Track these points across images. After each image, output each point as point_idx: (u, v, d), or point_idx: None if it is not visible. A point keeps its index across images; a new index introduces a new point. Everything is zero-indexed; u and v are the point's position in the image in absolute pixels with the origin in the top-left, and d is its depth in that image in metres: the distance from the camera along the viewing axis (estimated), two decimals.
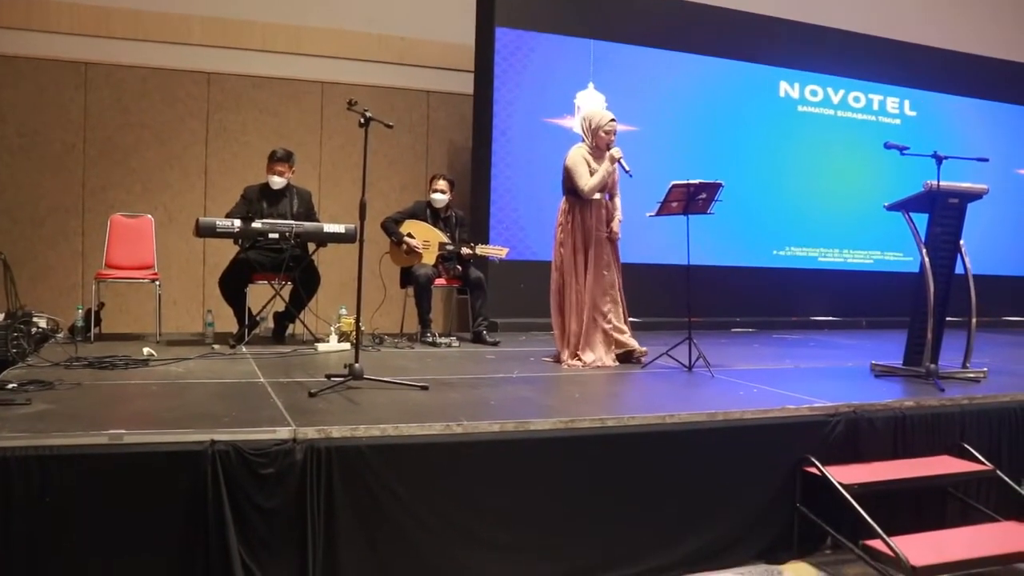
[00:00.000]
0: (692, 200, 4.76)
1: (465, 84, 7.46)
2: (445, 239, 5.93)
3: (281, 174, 5.45)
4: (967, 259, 4.65)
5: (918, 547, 2.98)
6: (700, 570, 3.19)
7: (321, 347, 5.17)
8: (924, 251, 4.49)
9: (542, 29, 7.30)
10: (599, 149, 4.84)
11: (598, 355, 4.75)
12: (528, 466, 3.02)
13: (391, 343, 5.59)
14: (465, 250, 5.91)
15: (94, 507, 2.50)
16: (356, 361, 3.75)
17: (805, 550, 3.40)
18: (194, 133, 7.07)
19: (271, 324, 5.62)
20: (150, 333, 5.61)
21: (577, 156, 4.81)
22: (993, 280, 7.92)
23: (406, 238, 5.85)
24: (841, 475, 3.28)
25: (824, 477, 3.28)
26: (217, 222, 5.09)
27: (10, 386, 3.34)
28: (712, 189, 4.77)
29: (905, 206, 4.57)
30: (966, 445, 3.68)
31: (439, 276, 5.92)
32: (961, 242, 4.64)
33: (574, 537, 3.04)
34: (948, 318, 4.59)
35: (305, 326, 5.54)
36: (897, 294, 7.30)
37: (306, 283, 5.43)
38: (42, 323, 5.06)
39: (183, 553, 2.58)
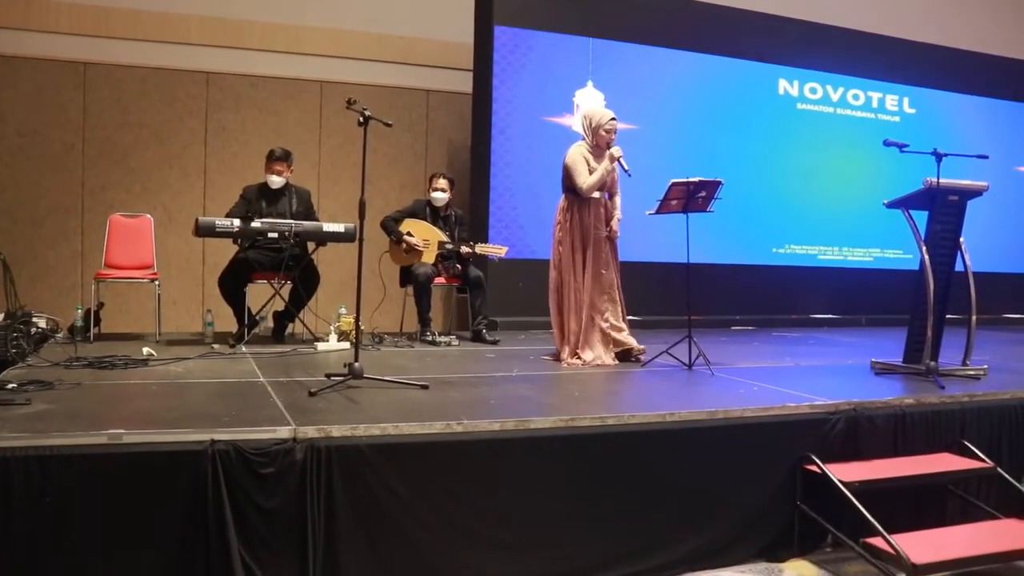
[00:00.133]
0: (692, 198, 4.76)
1: (464, 83, 7.45)
2: (444, 238, 5.93)
3: (280, 173, 5.45)
4: (967, 256, 4.65)
5: (919, 545, 2.98)
6: (701, 568, 3.19)
7: (321, 346, 5.17)
8: (924, 248, 4.48)
9: (541, 27, 7.28)
10: (599, 148, 4.84)
11: (597, 353, 4.75)
12: (528, 465, 3.02)
13: (391, 342, 5.59)
14: (464, 249, 5.91)
15: (94, 507, 2.50)
16: (356, 360, 3.75)
17: (806, 548, 3.41)
18: (193, 133, 7.07)
19: (271, 323, 5.62)
20: (150, 333, 5.61)
21: (577, 154, 4.81)
22: (993, 277, 7.89)
23: (406, 237, 5.85)
24: (841, 473, 3.28)
25: (824, 475, 3.28)
26: (216, 221, 5.09)
27: (10, 386, 3.34)
28: (712, 187, 4.77)
29: (905, 203, 4.57)
30: (966, 442, 3.68)
31: (439, 275, 5.92)
32: (961, 239, 4.64)
33: (574, 536, 3.04)
34: (948, 315, 4.58)
35: (305, 325, 5.54)
36: (897, 292, 7.31)
37: (305, 282, 5.43)
38: (42, 323, 5.06)
39: (183, 553, 2.58)
